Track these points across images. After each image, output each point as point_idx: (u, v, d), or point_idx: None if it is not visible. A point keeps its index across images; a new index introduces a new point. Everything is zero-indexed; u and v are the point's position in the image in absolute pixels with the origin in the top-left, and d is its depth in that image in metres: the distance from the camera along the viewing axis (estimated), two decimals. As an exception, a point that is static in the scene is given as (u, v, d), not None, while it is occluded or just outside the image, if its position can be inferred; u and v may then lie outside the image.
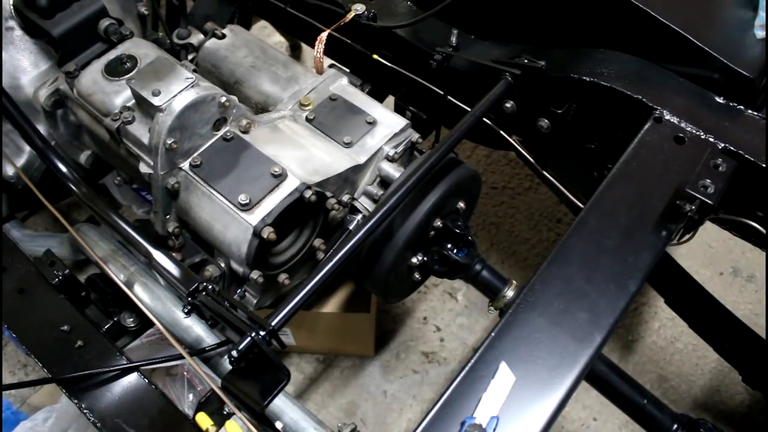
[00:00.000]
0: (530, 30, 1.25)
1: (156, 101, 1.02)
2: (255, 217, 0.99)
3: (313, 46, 1.35)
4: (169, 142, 1.02)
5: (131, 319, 1.14)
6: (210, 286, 0.95)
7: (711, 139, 1.01)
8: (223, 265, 1.06)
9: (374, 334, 1.84)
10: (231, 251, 1.02)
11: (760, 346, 1.32)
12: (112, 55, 1.17)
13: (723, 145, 1.00)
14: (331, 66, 1.28)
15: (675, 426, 1.14)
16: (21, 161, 1.26)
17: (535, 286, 0.86)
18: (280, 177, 1.02)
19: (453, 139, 1.07)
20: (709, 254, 2.03)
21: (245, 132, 1.09)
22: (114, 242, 1.21)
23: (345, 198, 1.10)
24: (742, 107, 1.06)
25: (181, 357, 1.01)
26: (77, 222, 1.24)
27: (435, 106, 1.32)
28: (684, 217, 0.94)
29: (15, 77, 1.22)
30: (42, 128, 1.23)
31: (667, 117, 1.04)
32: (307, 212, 1.07)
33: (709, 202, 0.92)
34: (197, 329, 1.13)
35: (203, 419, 0.92)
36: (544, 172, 1.27)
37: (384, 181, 1.13)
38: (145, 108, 1.06)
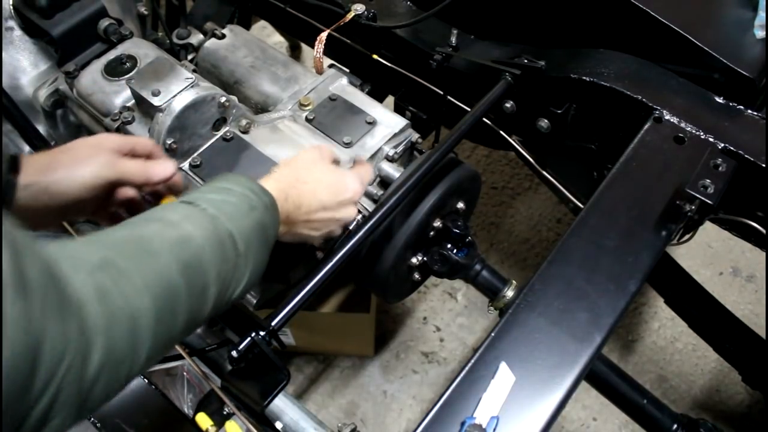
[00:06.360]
0: (530, 30, 1.25)
1: (156, 101, 1.01)
2: (255, 217, 0.99)
3: (313, 46, 1.35)
4: (168, 142, 1.02)
5: (131, 319, 1.14)
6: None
7: (711, 139, 1.01)
8: (222, 265, 1.06)
9: (374, 334, 1.84)
10: (231, 251, 1.02)
11: (760, 346, 1.32)
12: (111, 55, 1.17)
13: (723, 145, 1.00)
14: (331, 66, 1.28)
15: (675, 426, 1.14)
16: (21, 161, 1.26)
17: (535, 286, 0.86)
18: (280, 177, 1.02)
19: (453, 139, 1.07)
20: (709, 254, 2.03)
21: (245, 132, 1.09)
22: (114, 242, 1.21)
23: (345, 198, 1.10)
24: (742, 107, 1.06)
25: (181, 357, 1.01)
26: (77, 222, 1.24)
27: (435, 106, 1.32)
28: (684, 217, 0.94)
29: (15, 77, 1.22)
30: (42, 128, 1.23)
31: (667, 117, 1.04)
32: (307, 212, 1.07)
33: (709, 202, 0.92)
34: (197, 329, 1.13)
35: (203, 419, 0.92)
36: (544, 172, 1.27)
37: (384, 181, 1.13)
38: (144, 108, 1.06)
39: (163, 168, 0.88)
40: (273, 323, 0.87)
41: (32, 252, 0.47)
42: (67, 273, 0.50)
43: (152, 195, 0.92)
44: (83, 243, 0.58)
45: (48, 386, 0.45)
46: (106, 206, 0.89)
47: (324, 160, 0.92)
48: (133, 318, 0.54)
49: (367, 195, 1.14)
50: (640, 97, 1.06)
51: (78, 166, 0.82)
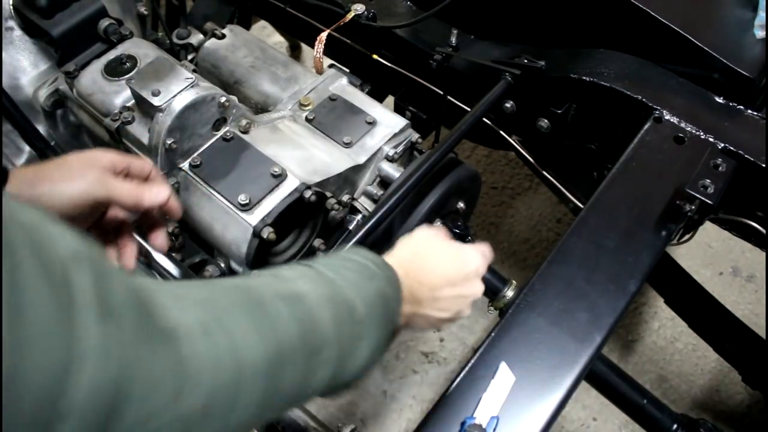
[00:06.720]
0: (530, 30, 1.25)
1: (156, 101, 1.01)
2: (255, 218, 0.99)
3: (313, 46, 1.35)
4: (168, 142, 1.02)
5: (131, 319, 1.14)
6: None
7: (711, 139, 1.01)
8: (223, 265, 1.06)
9: (374, 334, 1.84)
10: (231, 251, 1.02)
11: (760, 346, 1.32)
12: (111, 55, 1.17)
13: (723, 145, 1.00)
14: (331, 66, 1.28)
15: (675, 426, 1.14)
16: (21, 161, 1.26)
17: (535, 286, 0.86)
18: (280, 177, 1.02)
19: (453, 139, 1.07)
20: (709, 254, 2.03)
21: (245, 132, 1.09)
22: (114, 242, 1.21)
23: (345, 198, 1.10)
24: (742, 107, 1.06)
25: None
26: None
27: (435, 106, 1.32)
28: (684, 217, 0.94)
29: (15, 77, 1.22)
30: (42, 128, 1.22)
31: (667, 117, 1.04)
32: (307, 212, 1.07)
33: (709, 202, 0.92)
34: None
35: (203, 419, 0.92)
36: (544, 172, 1.27)
37: (384, 181, 1.13)
38: (144, 108, 1.06)
39: (155, 193, 0.81)
40: (273, 323, 0.86)
41: (118, 277, 0.42)
42: (163, 303, 0.44)
43: (144, 220, 0.87)
44: (181, 283, 0.53)
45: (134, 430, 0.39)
46: (97, 226, 0.84)
47: (440, 237, 0.86)
48: (240, 369, 0.46)
49: (367, 195, 1.14)
50: (640, 97, 1.06)
51: (67, 181, 0.77)
